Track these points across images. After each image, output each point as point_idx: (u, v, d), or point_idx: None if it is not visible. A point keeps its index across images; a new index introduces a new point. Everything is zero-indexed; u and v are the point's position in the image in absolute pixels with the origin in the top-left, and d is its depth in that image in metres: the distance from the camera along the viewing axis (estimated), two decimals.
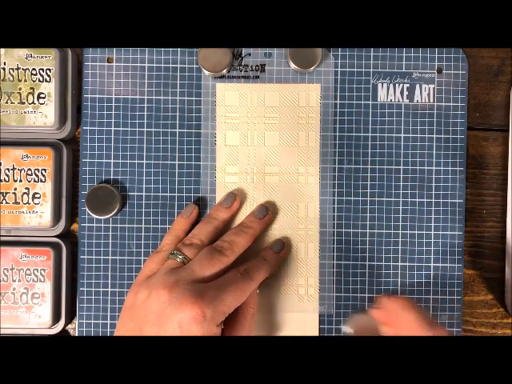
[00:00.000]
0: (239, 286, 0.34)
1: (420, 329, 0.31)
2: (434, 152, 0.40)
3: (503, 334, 0.41)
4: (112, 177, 0.40)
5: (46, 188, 0.39)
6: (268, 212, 0.39)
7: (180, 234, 0.38)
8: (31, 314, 0.39)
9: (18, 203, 0.39)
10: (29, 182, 0.39)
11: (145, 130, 0.40)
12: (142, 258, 0.40)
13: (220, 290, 0.33)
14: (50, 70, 0.39)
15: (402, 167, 0.40)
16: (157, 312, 0.32)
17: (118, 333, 0.34)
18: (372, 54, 0.40)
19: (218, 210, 0.39)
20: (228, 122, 0.40)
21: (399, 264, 0.40)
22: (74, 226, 0.41)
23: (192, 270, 0.34)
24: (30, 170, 0.39)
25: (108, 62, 0.40)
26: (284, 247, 0.39)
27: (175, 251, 0.36)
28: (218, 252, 0.36)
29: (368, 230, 0.40)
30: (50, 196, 0.39)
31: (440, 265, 0.40)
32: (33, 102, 0.39)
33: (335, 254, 0.40)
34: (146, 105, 0.40)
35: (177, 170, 0.40)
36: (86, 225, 0.40)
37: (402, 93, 0.40)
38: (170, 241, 0.38)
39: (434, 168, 0.40)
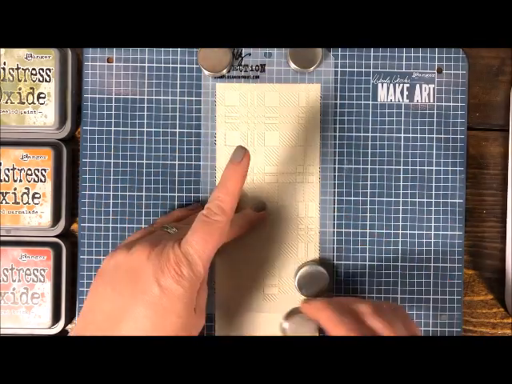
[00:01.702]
0: (207, 237, 0.31)
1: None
2: (434, 152, 0.40)
3: (503, 334, 0.41)
4: (112, 177, 0.40)
5: (46, 188, 0.39)
6: (265, 207, 0.40)
7: (175, 219, 0.38)
8: (31, 314, 0.39)
9: (18, 203, 0.39)
10: (29, 182, 0.39)
11: (145, 129, 0.40)
12: None
13: (191, 245, 0.31)
14: (49, 69, 0.39)
15: (401, 167, 0.40)
16: (135, 270, 0.30)
17: (86, 302, 0.32)
18: (372, 53, 0.40)
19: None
20: (228, 122, 0.40)
21: (399, 264, 0.40)
22: (74, 226, 0.41)
23: (181, 233, 0.33)
24: (29, 170, 0.39)
25: (108, 62, 0.40)
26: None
27: (168, 225, 0.35)
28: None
29: (368, 230, 0.40)
30: (49, 196, 0.39)
31: (440, 265, 0.40)
32: (33, 102, 0.39)
33: (335, 253, 0.40)
34: (146, 105, 0.40)
35: (177, 170, 0.40)
36: (86, 225, 0.40)
37: (402, 93, 0.40)
38: (162, 221, 0.38)
39: (434, 168, 0.40)
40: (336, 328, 0.31)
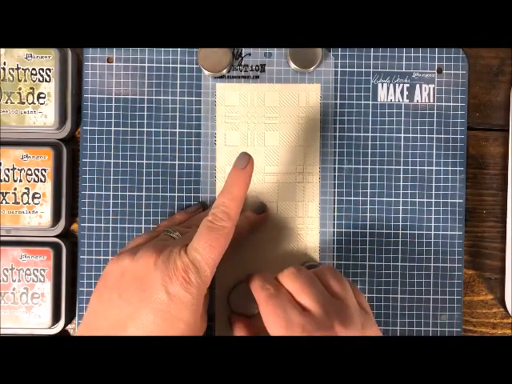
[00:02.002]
0: (213, 243, 0.31)
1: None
2: (434, 152, 0.40)
3: (503, 334, 0.41)
4: (112, 177, 0.40)
5: (46, 188, 0.39)
6: (266, 209, 0.40)
7: (177, 223, 0.38)
8: (31, 313, 0.39)
9: (18, 203, 0.39)
10: (29, 182, 0.39)
11: (145, 129, 0.40)
12: None
13: (197, 254, 0.30)
14: (49, 69, 0.39)
15: (402, 167, 0.40)
16: (141, 277, 0.30)
17: (90, 308, 0.32)
18: (372, 53, 0.40)
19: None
20: (228, 122, 0.40)
21: (399, 264, 0.40)
22: (74, 226, 0.41)
23: (184, 238, 0.33)
24: (29, 169, 0.39)
25: (108, 62, 0.40)
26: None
27: (170, 229, 0.35)
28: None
29: (368, 230, 0.40)
30: (49, 196, 0.39)
31: (440, 265, 0.40)
32: (33, 102, 0.39)
33: (335, 254, 0.40)
34: (146, 105, 0.40)
35: (177, 170, 0.40)
36: (86, 225, 0.40)
37: (402, 93, 0.40)
38: (164, 225, 0.38)
39: (434, 168, 0.40)
40: (257, 295, 0.31)
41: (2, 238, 0.39)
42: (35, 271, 0.39)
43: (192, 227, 0.36)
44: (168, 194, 0.40)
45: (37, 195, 0.39)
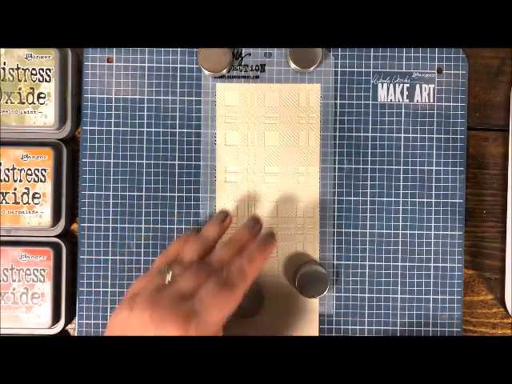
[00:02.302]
0: (222, 300, 0.31)
1: None
2: (434, 152, 0.40)
3: (503, 334, 0.41)
4: (112, 177, 0.40)
5: (46, 188, 0.39)
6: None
7: (172, 256, 0.36)
8: (31, 314, 0.39)
9: (18, 203, 0.39)
10: (29, 181, 0.39)
11: (145, 129, 0.40)
12: (142, 257, 0.40)
13: (202, 306, 0.30)
14: (49, 69, 0.39)
15: (402, 167, 0.40)
16: (138, 331, 0.30)
17: None
18: (372, 53, 0.40)
19: (209, 227, 0.37)
20: (228, 121, 0.40)
21: (399, 264, 0.40)
22: (74, 226, 0.41)
23: (179, 286, 0.32)
24: (29, 169, 0.39)
25: (108, 62, 0.40)
26: (273, 238, 0.36)
27: (164, 268, 0.34)
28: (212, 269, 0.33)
29: (368, 230, 0.40)
30: (49, 196, 0.39)
31: (440, 265, 0.40)
32: (33, 102, 0.39)
33: (335, 254, 0.40)
34: (146, 105, 0.40)
35: (177, 170, 0.40)
36: (86, 225, 0.40)
37: (402, 93, 0.40)
38: (160, 261, 0.36)
39: (434, 168, 0.40)
40: None
41: (2, 238, 0.39)
42: (35, 271, 0.39)
43: (184, 262, 0.34)
44: (168, 194, 0.40)
45: (37, 195, 0.39)
